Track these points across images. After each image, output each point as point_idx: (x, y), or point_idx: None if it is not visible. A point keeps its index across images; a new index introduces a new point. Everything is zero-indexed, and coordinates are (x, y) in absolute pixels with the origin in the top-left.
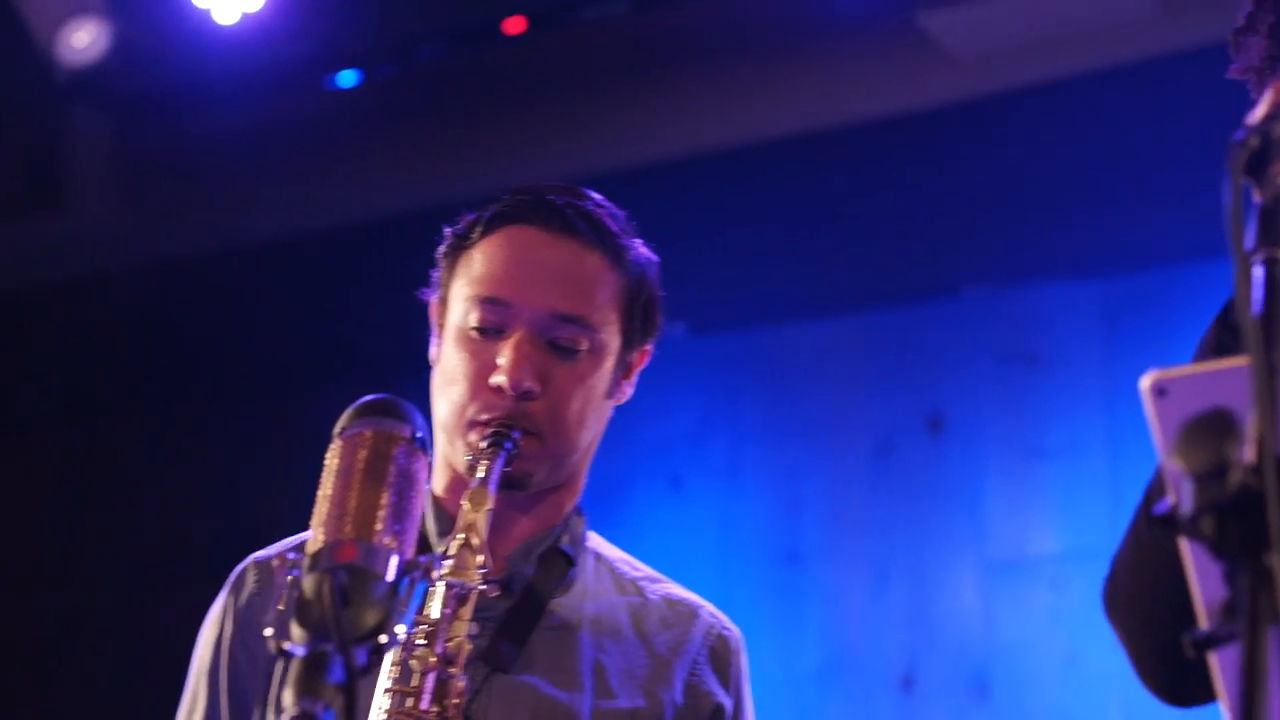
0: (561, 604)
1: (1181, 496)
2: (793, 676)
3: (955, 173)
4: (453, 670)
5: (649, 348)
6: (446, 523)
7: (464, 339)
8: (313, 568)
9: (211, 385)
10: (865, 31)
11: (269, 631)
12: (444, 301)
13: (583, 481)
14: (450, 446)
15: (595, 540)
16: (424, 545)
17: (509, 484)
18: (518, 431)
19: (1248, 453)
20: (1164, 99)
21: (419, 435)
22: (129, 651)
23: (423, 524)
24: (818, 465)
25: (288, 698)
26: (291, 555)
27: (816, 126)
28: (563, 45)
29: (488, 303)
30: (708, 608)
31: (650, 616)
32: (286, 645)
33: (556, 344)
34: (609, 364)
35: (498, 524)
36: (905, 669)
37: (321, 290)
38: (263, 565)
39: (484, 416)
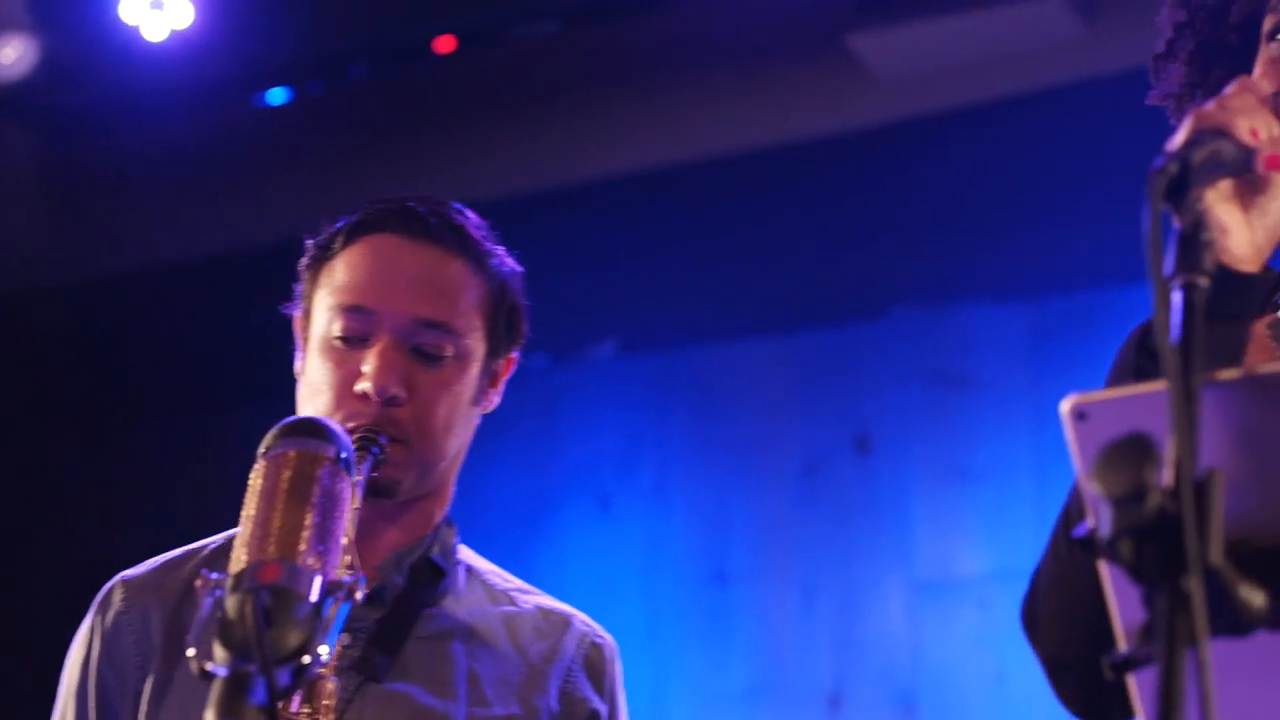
0: (434, 614)
1: (1100, 519)
2: (720, 696)
3: (883, 194)
4: (322, 671)
5: (515, 356)
6: None
7: (328, 349)
8: (236, 588)
9: (139, 404)
10: (794, 53)
11: (191, 651)
12: (307, 314)
13: (451, 491)
14: None
15: (466, 552)
16: None
17: (377, 491)
18: (384, 437)
19: (1166, 477)
20: (1091, 122)
21: (343, 456)
22: (58, 671)
23: None
24: (745, 485)
25: (210, 718)
26: (214, 575)
27: (745, 147)
28: (493, 65)
29: (351, 311)
30: (580, 616)
31: (524, 626)
32: (209, 666)
33: (421, 350)
34: (474, 370)
35: (368, 533)
36: (832, 689)
37: (250, 308)
38: (130, 584)
39: (350, 424)
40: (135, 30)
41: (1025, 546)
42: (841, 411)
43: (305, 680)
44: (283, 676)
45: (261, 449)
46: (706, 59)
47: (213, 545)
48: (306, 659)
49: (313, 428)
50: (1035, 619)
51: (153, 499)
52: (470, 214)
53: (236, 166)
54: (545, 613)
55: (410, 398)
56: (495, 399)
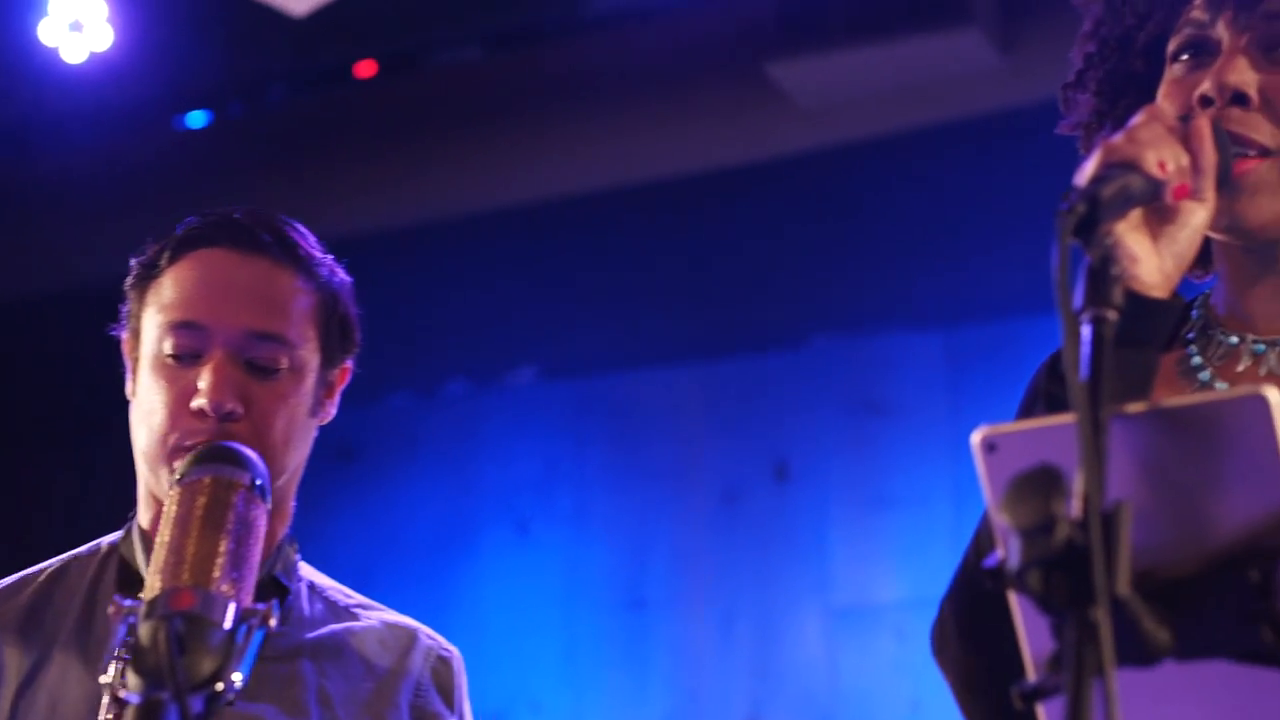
0: (281, 632)
1: (1009, 550)
2: None
3: (802, 222)
4: None
5: (349, 366)
6: None
7: (160, 367)
8: (149, 615)
9: (51, 425)
10: (715, 81)
11: (104, 678)
12: (136, 334)
13: (290, 507)
14: (153, 477)
15: (307, 569)
16: (134, 578)
17: None
18: None
19: (1074, 508)
20: (1008, 151)
21: (259, 482)
22: None
23: (134, 558)
24: (664, 512)
25: None
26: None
27: (666, 175)
28: (414, 90)
29: (181, 328)
30: (425, 630)
31: (369, 641)
32: (122, 693)
33: (255, 363)
34: (310, 382)
35: None
36: (750, 715)
37: None
38: None
39: (188, 442)
40: (54, 52)
41: (942, 574)
42: (760, 439)
43: (219, 708)
44: (196, 704)
45: (176, 475)
46: (627, 86)
47: (50, 568)
48: (220, 686)
49: (228, 454)
50: (945, 646)
51: (67, 521)
52: (299, 225)
53: (155, 189)
54: (390, 627)
55: (247, 412)
56: (332, 410)
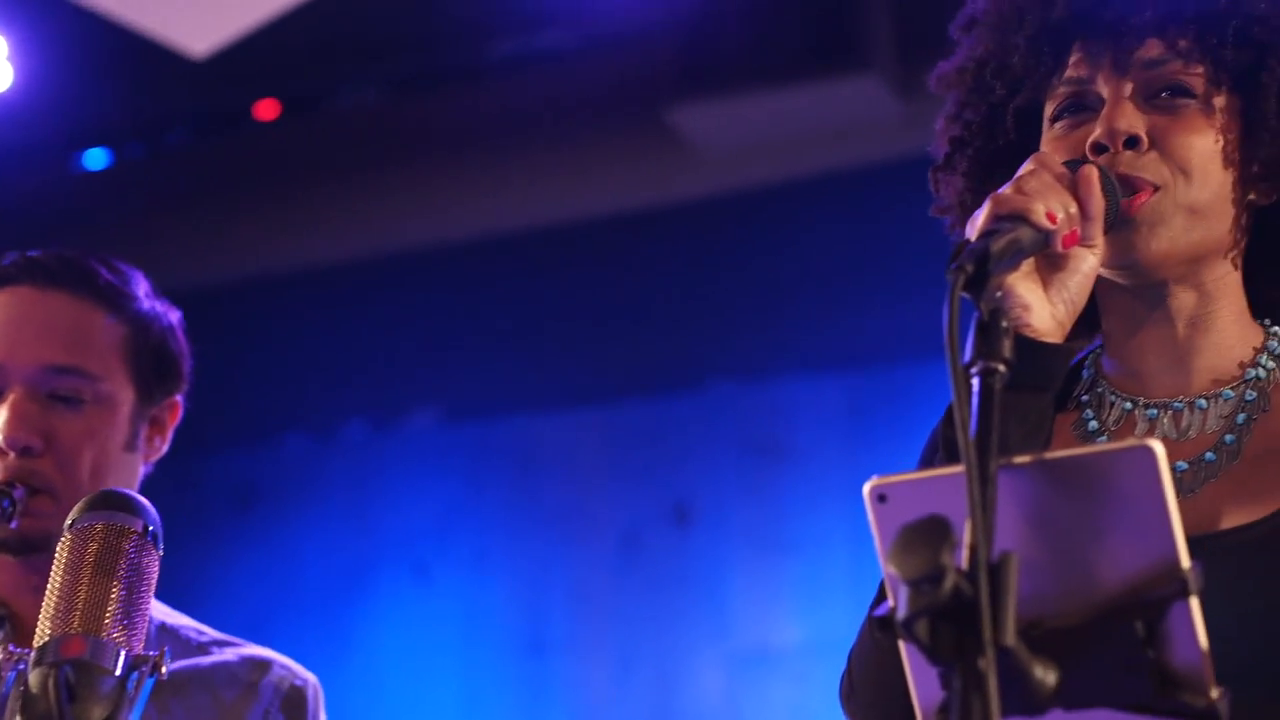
0: None
1: (899, 600)
2: None
3: (701, 267)
4: None
5: (178, 401)
6: None
7: None
8: (39, 662)
9: None
10: (615, 126)
11: None
12: None
13: None
14: None
15: (160, 608)
16: None
17: (29, 547)
18: (19, 489)
19: (962, 559)
20: (908, 197)
21: (151, 529)
22: None
23: None
24: (564, 555)
25: None
26: (15, 649)
27: (565, 218)
28: (314, 132)
29: None
30: (281, 660)
31: (219, 674)
32: None
33: (57, 395)
34: (122, 415)
35: (35, 591)
36: None
37: None
38: None
39: None
40: None
41: (841, 619)
42: (660, 482)
43: None
44: None
45: (68, 521)
46: (528, 131)
47: None
48: None
49: (120, 501)
50: (851, 695)
51: None
52: (117, 263)
53: (54, 229)
54: (245, 660)
55: (49, 446)
56: (161, 446)
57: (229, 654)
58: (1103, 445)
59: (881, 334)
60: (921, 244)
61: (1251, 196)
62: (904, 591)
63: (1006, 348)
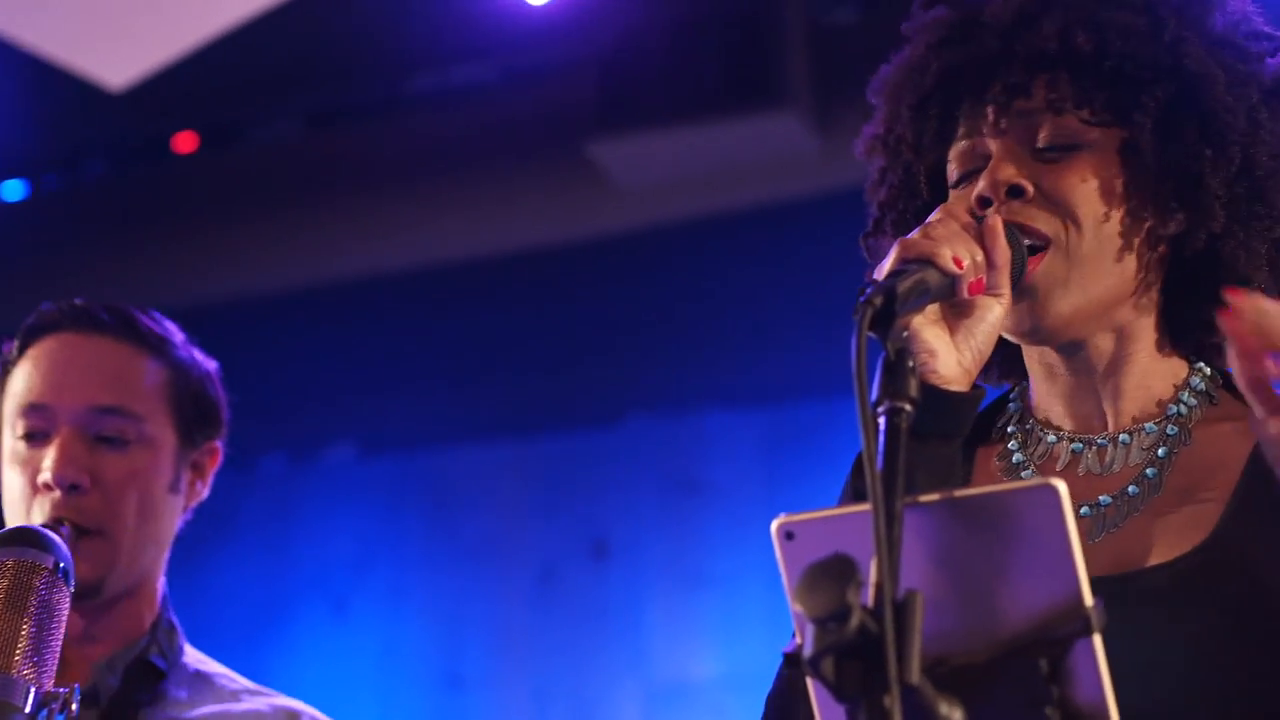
0: (156, 715)
1: (805, 638)
2: None
3: (621, 301)
4: None
5: (218, 446)
6: None
7: (14, 452)
8: None
9: None
10: (534, 160)
11: None
12: None
13: (158, 588)
14: None
15: (194, 655)
16: None
17: (82, 592)
18: (66, 526)
19: (867, 597)
20: (825, 234)
21: (62, 566)
22: None
23: None
24: (481, 589)
25: None
26: None
27: (484, 253)
28: (233, 165)
29: (30, 410)
30: (310, 711)
31: None
32: None
33: (103, 436)
34: (165, 457)
35: (80, 635)
36: None
37: None
38: None
39: (38, 518)
40: None
41: (758, 652)
42: (578, 517)
43: None
44: None
45: None
46: (448, 164)
47: None
48: None
49: (31, 537)
50: None
51: None
52: (153, 312)
53: None
54: (276, 709)
55: (95, 484)
56: (203, 490)
57: (260, 703)
58: (1007, 484)
59: (800, 369)
60: (840, 279)
61: (1160, 231)
62: (810, 629)
63: (913, 387)
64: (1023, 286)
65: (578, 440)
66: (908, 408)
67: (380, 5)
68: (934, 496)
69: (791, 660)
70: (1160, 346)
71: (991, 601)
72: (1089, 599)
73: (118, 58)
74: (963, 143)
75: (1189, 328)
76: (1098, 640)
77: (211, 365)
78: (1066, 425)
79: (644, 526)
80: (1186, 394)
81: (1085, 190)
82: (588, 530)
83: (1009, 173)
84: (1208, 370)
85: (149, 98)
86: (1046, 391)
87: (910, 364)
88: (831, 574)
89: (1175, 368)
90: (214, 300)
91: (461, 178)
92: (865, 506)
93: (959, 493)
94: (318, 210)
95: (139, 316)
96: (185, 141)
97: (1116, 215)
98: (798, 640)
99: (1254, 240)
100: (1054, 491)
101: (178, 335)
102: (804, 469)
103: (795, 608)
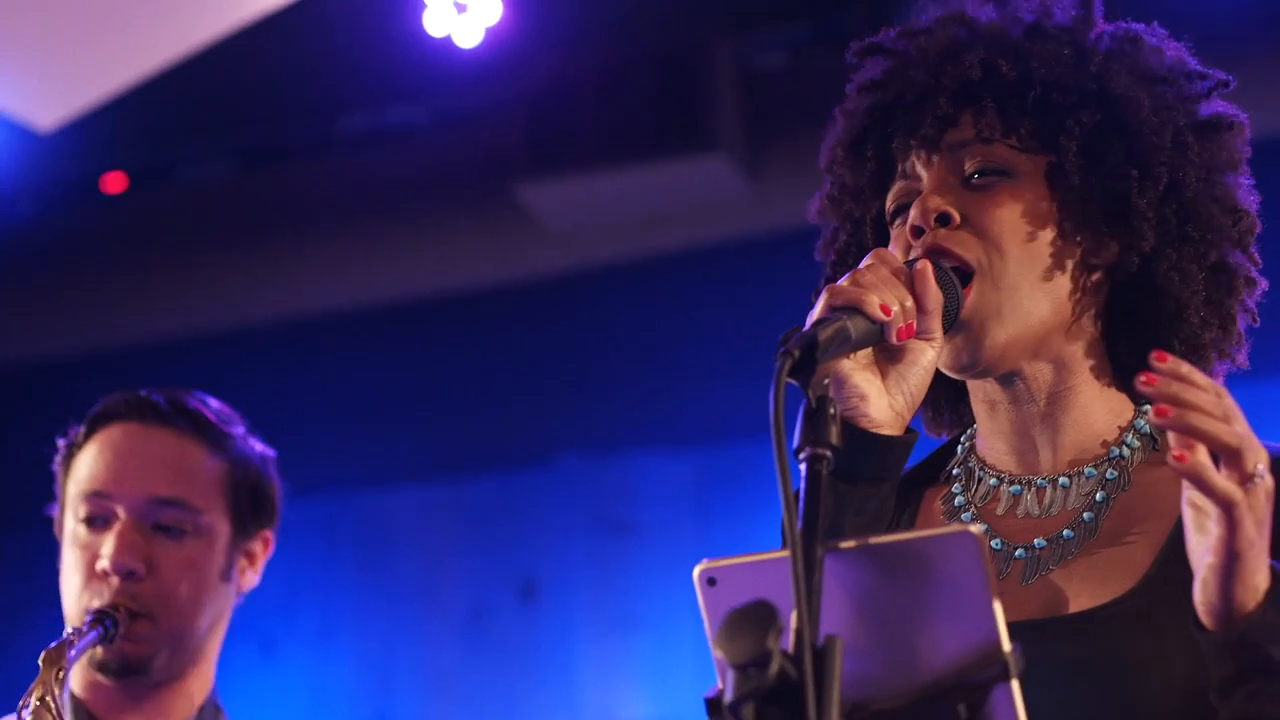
0: None
1: (726, 684)
2: None
3: (551, 343)
4: None
5: (270, 535)
6: None
7: (75, 536)
8: None
9: None
10: (465, 202)
11: None
12: (61, 509)
13: (211, 671)
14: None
15: None
16: None
17: (129, 670)
18: (122, 613)
19: (788, 642)
20: (754, 278)
21: None
22: None
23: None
24: (411, 631)
25: None
26: None
27: (415, 293)
28: (163, 205)
29: (91, 497)
30: None
31: None
32: None
33: (161, 526)
34: (219, 547)
35: (131, 713)
36: None
37: None
38: None
39: (95, 603)
40: None
41: (688, 695)
42: (508, 558)
43: None
44: None
45: None
46: (378, 206)
47: None
48: None
49: None
50: None
51: None
52: (211, 400)
53: None
54: None
55: (151, 572)
56: (254, 578)
57: None
58: (925, 530)
59: (729, 411)
60: (769, 321)
61: (1091, 258)
62: (731, 675)
63: (834, 434)
64: (957, 323)
65: (508, 481)
66: (828, 454)
67: (311, 46)
68: (853, 543)
69: (712, 706)
70: (1102, 380)
71: (911, 647)
72: (1007, 645)
73: (47, 98)
74: (899, 182)
75: (1130, 361)
76: (1016, 686)
77: (270, 454)
78: (1008, 466)
79: (574, 568)
80: (1130, 435)
81: (1011, 216)
82: (517, 572)
83: (936, 202)
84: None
85: (78, 138)
86: (990, 430)
87: (831, 411)
88: (752, 620)
89: (1119, 405)
90: (143, 340)
91: (391, 219)
92: (785, 553)
93: (878, 539)
94: (248, 251)
95: (202, 409)
96: (114, 182)
97: (1044, 240)
98: (719, 685)
99: (1186, 262)
100: (970, 538)
101: (238, 427)
102: (734, 510)
103: (716, 653)
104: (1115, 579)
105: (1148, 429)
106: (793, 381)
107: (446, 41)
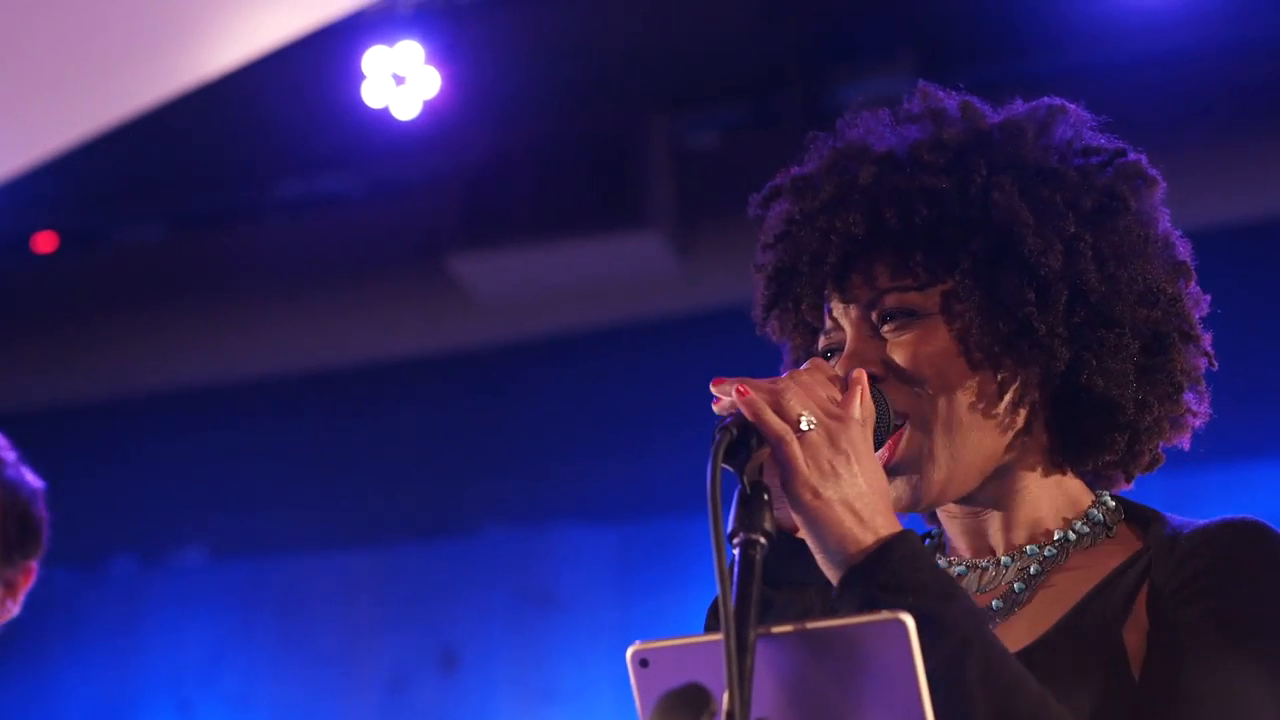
0: None
1: None
2: None
3: (478, 414)
4: None
5: (33, 566)
6: None
7: None
8: None
9: None
10: (396, 271)
11: None
12: None
13: None
14: None
15: None
16: None
17: None
18: None
19: None
20: (684, 353)
21: None
22: None
23: None
24: (330, 696)
25: None
26: None
27: (343, 361)
28: (93, 266)
29: None
30: None
31: None
32: None
33: None
34: None
35: None
36: None
37: None
38: None
39: None
40: None
41: None
42: (429, 627)
43: None
44: None
45: None
46: (309, 273)
47: None
48: None
49: None
50: None
51: None
52: None
53: None
54: None
55: None
56: (13, 609)
57: None
58: (858, 616)
59: (654, 486)
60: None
61: (1014, 381)
62: None
63: (767, 520)
64: (893, 465)
65: (431, 551)
66: (761, 540)
67: (249, 112)
68: (786, 627)
69: None
70: (1051, 475)
71: None
72: None
73: None
74: (828, 323)
75: (1077, 446)
76: None
77: (38, 485)
78: (964, 552)
79: (494, 638)
80: (1080, 523)
81: (927, 358)
82: (438, 641)
83: (859, 361)
84: (1112, 504)
85: (9, 198)
86: (949, 529)
87: (766, 497)
88: (685, 702)
89: (1074, 494)
90: (65, 402)
91: (323, 287)
92: (718, 636)
93: (811, 624)
94: (176, 314)
95: None
96: (45, 241)
97: (964, 374)
98: None
99: (1109, 362)
100: (901, 626)
101: (8, 454)
102: (656, 584)
103: None
104: (1024, 640)
105: (1101, 518)
106: (727, 467)
107: (384, 113)
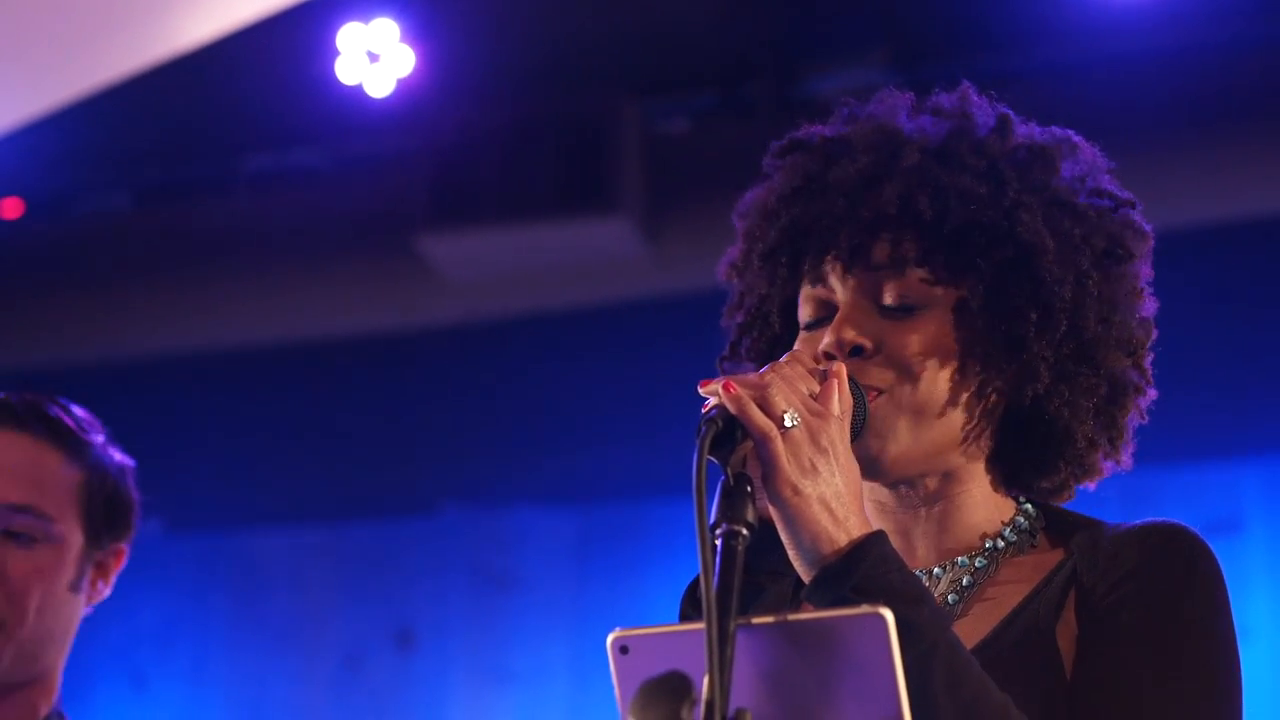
0: None
1: None
2: None
3: (441, 393)
4: None
5: (124, 548)
6: None
7: None
8: None
9: None
10: (364, 249)
11: None
12: None
13: (57, 681)
14: None
15: None
16: None
17: None
18: None
19: (700, 715)
20: (650, 337)
21: None
22: None
23: None
24: (285, 673)
25: None
26: None
27: (307, 336)
28: (59, 234)
29: None
30: None
31: None
32: None
33: (11, 533)
34: (71, 556)
35: None
36: None
37: None
38: None
39: None
40: None
41: None
42: (385, 605)
43: None
44: None
45: None
46: (277, 248)
47: None
48: None
49: None
50: None
51: None
52: (74, 407)
53: None
54: None
55: (2, 581)
56: (104, 590)
57: None
58: (837, 609)
59: (615, 469)
60: (660, 383)
61: (989, 386)
62: None
63: (750, 512)
64: (856, 429)
65: (389, 529)
66: (744, 531)
67: (220, 85)
68: (767, 619)
69: None
70: (988, 487)
71: None
72: None
73: None
74: (814, 288)
75: (1020, 468)
76: None
77: (129, 465)
78: (914, 561)
79: (450, 618)
80: (1008, 530)
81: (920, 348)
82: (394, 618)
83: (850, 335)
84: (1033, 511)
85: None
86: (878, 524)
87: (749, 489)
88: (665, 690)
89: (1002, 507)
90: (22, 370)
91: (288, 261)
92: (699, 625)
93: (791, 616)
94: (139, 286)
95: (60, 414)
96: (10, 207)
97: (948, 371)
98: None
99: (1079, 398)
100: (881, 620)
101: (97, 435)
102: (614, 568)
103: None
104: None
105: (1027, 526)
106: (712, 459)
107: (357, 90)
